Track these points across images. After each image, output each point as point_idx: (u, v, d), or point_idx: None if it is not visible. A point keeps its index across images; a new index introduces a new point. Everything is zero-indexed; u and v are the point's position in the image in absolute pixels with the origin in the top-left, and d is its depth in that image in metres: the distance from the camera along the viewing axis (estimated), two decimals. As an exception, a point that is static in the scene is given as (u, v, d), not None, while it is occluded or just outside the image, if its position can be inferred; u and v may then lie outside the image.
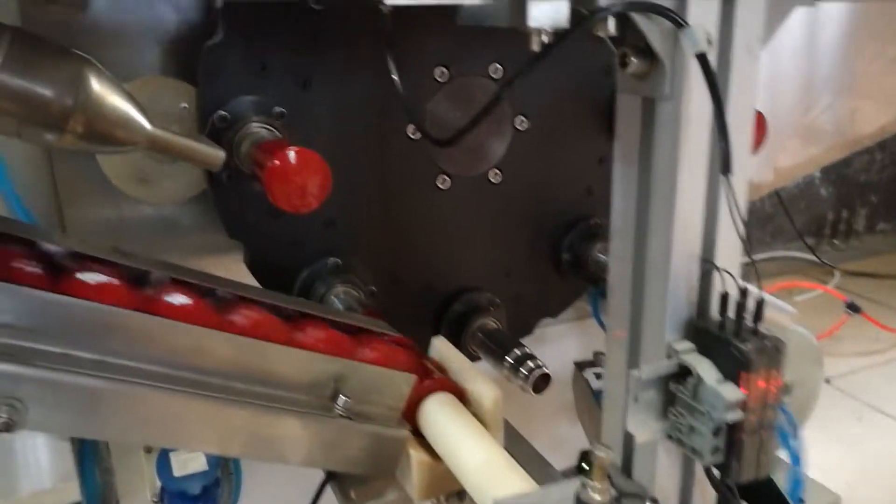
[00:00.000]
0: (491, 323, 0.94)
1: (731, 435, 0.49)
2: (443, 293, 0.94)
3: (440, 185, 0.89)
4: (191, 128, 0.78)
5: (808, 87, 1.55)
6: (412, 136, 0.85)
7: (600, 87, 0.95)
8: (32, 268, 0.47)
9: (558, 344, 1.21)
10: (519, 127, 0.91)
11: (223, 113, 0.74)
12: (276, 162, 0.61)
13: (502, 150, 0.91)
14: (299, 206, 0.63)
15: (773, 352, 0.48)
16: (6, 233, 0.50)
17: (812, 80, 1.54)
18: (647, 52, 0.47)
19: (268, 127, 0.74)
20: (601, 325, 1.15)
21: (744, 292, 0.49)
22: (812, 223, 2.76)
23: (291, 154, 0.62)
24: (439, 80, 0.84)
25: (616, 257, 0.55)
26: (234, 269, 0.88)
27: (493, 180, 0.92)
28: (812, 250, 2.66)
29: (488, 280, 0.96)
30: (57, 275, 0.48)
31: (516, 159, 0.92)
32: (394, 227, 0.89)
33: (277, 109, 0.76)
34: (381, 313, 0.77)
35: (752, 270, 0.51)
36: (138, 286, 0.54)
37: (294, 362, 0.56)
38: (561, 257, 0.99)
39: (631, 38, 0.47)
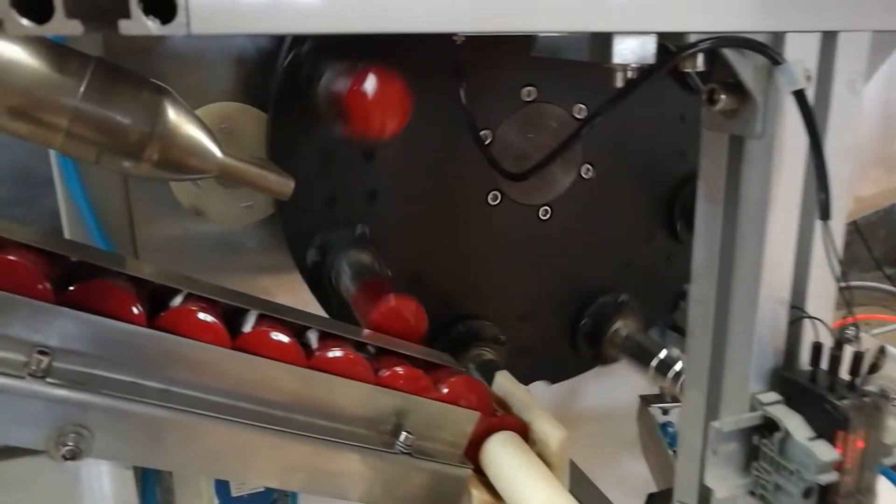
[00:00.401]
0: (487, 354, 0.89)
1: (824, 497, 0.46)
2: (455, 309, 0.90)
3: (490, 201, 0.87)
4: (261, 154, 0.78)
5: (890, 115, 1.48)
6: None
7: (670, 173, 0.92)
8: (105, 297, 0.47)
9: (623, 376, 1.17)
10: (584, 175, 0.89)
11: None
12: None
13: (561, 191, 0.89)
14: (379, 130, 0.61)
15: (874, 410, 0.44)
16: (82, 260, 0.50)
17: (894, 107, 1.46)
18: (737, 89, 0.45)
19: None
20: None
21: (839, 343, 0.46)
22: (891, 252, 2.63)
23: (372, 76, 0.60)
24: (526, 99, 0.82)
25: (697, 301, 0.52)
26: (297, 289, 0.88)
27: (541, 217, 0.90)
28: (891, 280, 2.53)
29: (503, 317, 0.91)
30: (130, 303, 0.48)
31: (571, 204, 0.90)
32: (433, 226, 0.86)
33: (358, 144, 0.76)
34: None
35: (849, 319, 0.48)
36: (225, 321, 0.54)
37: (358, 396, 0.55)
38: (578, 331, 0.95)
39: (720, 73, 0.45)
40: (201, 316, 0.49)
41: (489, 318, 0.90)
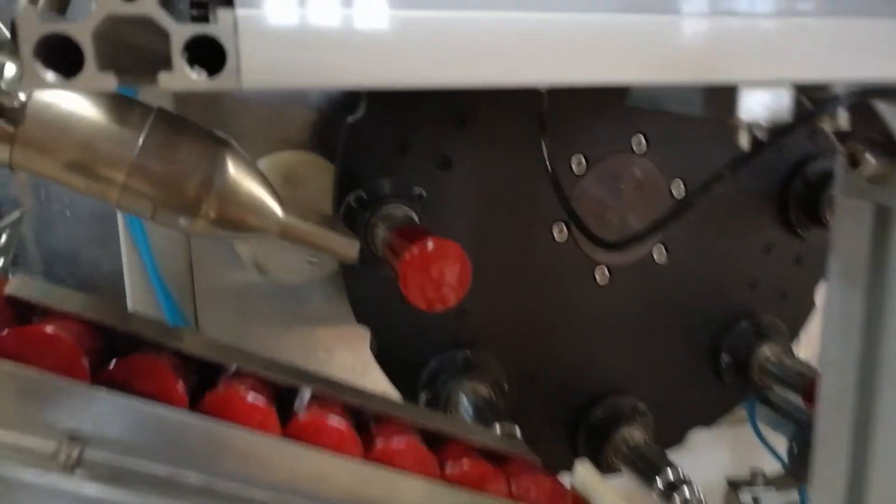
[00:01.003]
0: (637, 434, 0.82)
1: None
2: (582, 395, 0.84)
3: (596, 277, 0.81)
4: (327, 207, 0.74)
5: None
6: (559, 237, 0.78)
7: (772, 166, 0.84)
8: (146, 374, 0.43)
9: (706, 453, 1.07)
10: (674, 191, 0.81)
11: (360, 193, 0.70)
12: (414, 252, 0.55)
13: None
14: (434, 303, 0.56)
15: None
16: (125, 331, 0.46)
17: None
18: (887, 149, 0.37)
19: (405, 210, 0.69)
20: (758, 435, 1.01)
21: None
22: None
23: (429, 244, 0.56)
24: (576, 169, 0.77)
25: (828, 400, 0.44)
26: (359, 347, 0.83)
27: (657, 259, 0.82)
28: None
29: (635, 382, 0.85)
30: (172, 382, 0.43)
31: (675, 242, 0.83)
32: (532, 319, 0.81)
33: (417, 191, 0.71)
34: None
35: None
36: (276, 399, 0.49)
37: (423, 494, 0.48)
38: (720, 359, 0.87)
39: (866, 131, 0.38)
40: (250, 398, 0.44)
41: (621, 391, 0.83)
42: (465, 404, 0.74)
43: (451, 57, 0.34)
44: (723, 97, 0.34)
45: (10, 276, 0.49)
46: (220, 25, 0.24)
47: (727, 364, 0.87)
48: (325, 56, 0.27)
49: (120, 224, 0.85)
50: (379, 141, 0.71)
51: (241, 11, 0.25)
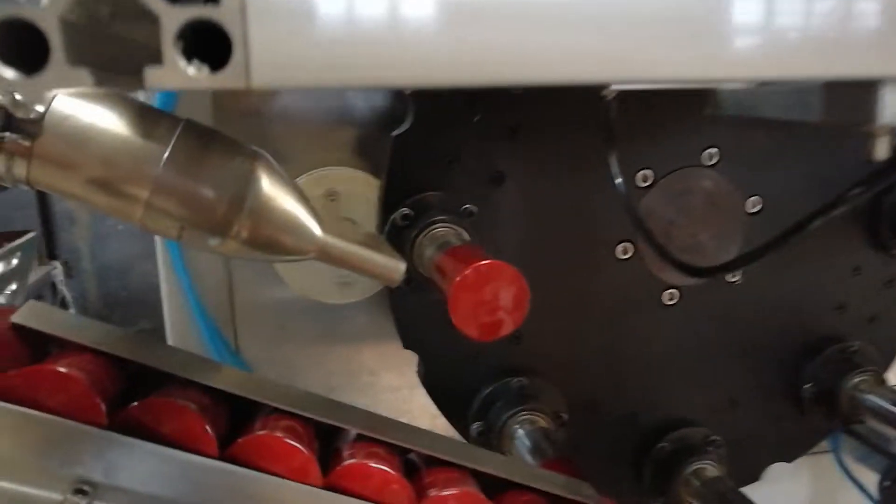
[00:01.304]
0: (710, 468, 0.75)
1: None
2: (649, 426, 0.77)
3: (664, 298, 0.74)
4: (372, 225, 0.70)
5: None
6: (624, 257, 0.71)
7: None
8: (169, 417, 0.38)
9: (785, 486, 0.98)
10: (750, 209, 0.74)
11: (406, 210, 0.65)
12: (465, 273, 0.50)
13: (734, 249, 0.74)
14: (488, 330, 0.51)
15: None
16: (173, 374, 0.41)
17: None
18: None
19: (455, 228, 0.63)
20: (844, 469, 0.92)
21: None
22: None
23: (482, 265, 0.50)
24: (641, 185, 0.70)
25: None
26: (405, 370, 0.78)
27: (731, 279, 0.75)
28: None
29: (707, 413, 0.78)
30: (199, 427, 0.39)
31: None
32: (593, 344, 0.74)
33: (466, 207, 0.66)
34: (573, 463, 0.62)
35: None
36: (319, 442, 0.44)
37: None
38: (803, 388, 0.79)
39: None
40: (288, 442, 0.39)
41: (692, 422, 0.76)
42: (521, 437, 0.68)
43: (504, 50, 0.28)
44: (855, 98, 0.28)
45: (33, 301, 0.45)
46: (223, 8, 0.19)
47: (811, 394, 0.78)
48: (356, 48, 0.22)
49: (157, 242, 0.82)
50: (426, 154, 0.66)
51: None
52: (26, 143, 0.43)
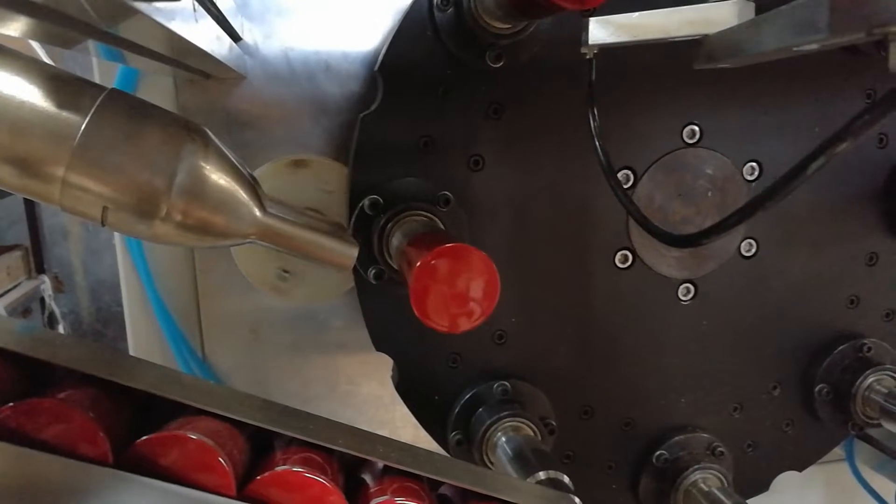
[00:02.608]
0: (712, 477, 0.69)
1: None
2: (646, 433, 0.71)
3: (682, 296, 0.68)
4: (338, 215, 0.64)
5: None
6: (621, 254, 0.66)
7: (875, 161, 0.70)
8: (183, 453, 0.32)
9: (794, 497, 0.92)
10: (748, 177, 0.68)
11: (375, 197, 0.59)
12: (427, 259, 0.44)
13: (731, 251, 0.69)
14: (452, 324, 0.45)
15: None
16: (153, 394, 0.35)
17: None
18: None
19: (428, 216, 0.58)
20: (858, 477, 0.86)
21: None
22: None
23: (444, 252, 0.45)
24: (688, 140, 0.65)
25: None
26: (385, 380, 0.73)
27: (741, 274, 0.69)
28: None
29: (710, 418, 0.72)
30: (213, 462, 0.33)
31: (767, 242, 0.69)
32: (586, 345, 0.68)
33: (442, 194, 0.60)
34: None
35: None
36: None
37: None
38: (815, 390, 0.72)
39: None
40: (312, 477, 0.33)
41: (694, 428, 0.70)
42: (503, 446, 0.61)
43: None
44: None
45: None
46: None
47: (824, 395, 0.72)
48: None
49: (116, 239, 0.77)
50: (397, 137, 0.60)
51: None
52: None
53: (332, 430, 0.38)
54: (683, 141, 0.65)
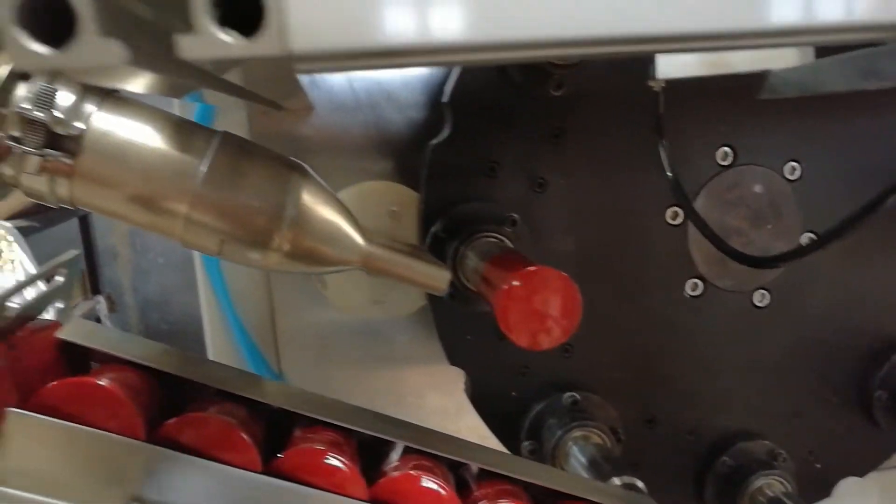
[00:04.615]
0: (776, 483, 0.71)
1: None
2: (709, 440, 0.74)
3: (690, 292, 0.70)
4: (409, 238, 0.68)
5: None
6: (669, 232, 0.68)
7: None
8: (223, 436, 0.36)
9: (855, 500, 0.93)
10: (789, 176, 0.69)
11: (446, 221, 0.63)
12: (515, 283, 0.48)
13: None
14: (540, 342, 0.49)
15: None
16: (193, 380, 0.40)
17: None
18: None
19: (498, 237, 0.62)
20: (917, 483, 0.87)
21: None
22: None
23: (531, 272, 0.48)
24: (721, 163, 0.67)
25: None
26: (453, 390, 0.76)
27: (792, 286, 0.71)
28: None
29: (771, 425, 0.74)
30: (248, 441, 0.37)
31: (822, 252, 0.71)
32: (646, 355, 0.71)
33: (509, 215, 0.64)
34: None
35: None
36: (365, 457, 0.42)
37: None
38: (873, 396, 0.74)
39: None
40: (330, 457, 0.37)
41: (755, 436, 0.72)
42: (576, 454, 0.65)
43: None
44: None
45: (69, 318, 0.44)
46: None
47: (883, 401, 0.74)
48: (401, 9, 0.20)
49: (196, 263, 0.82)
50: (466, 163, 0.64)
51: None
52: (68, 162, 0.42)
53: (348, 412, 0.42)
54: (719, 164, 0.68)
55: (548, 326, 0.48)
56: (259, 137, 0.75)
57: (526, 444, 0.68)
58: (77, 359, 0.38)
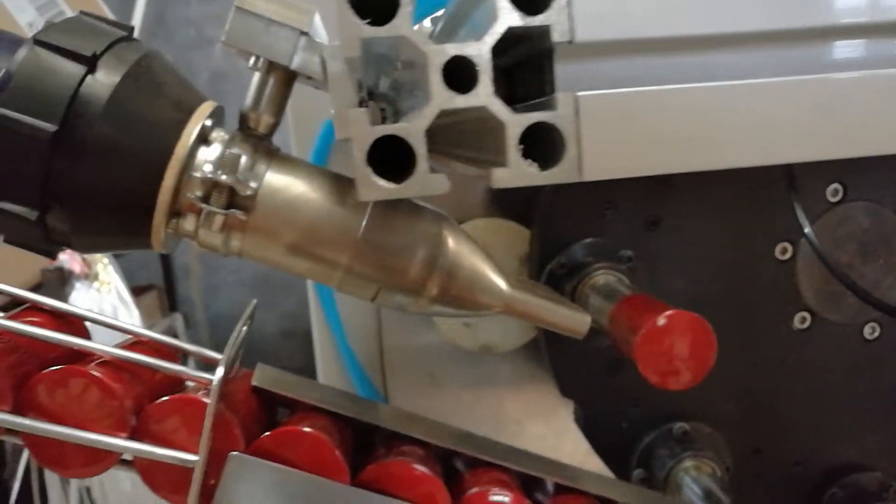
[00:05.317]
0: (887, 519, 0.71)
1: None
2: (817, 472, 0.74)
3: (798, 325, 0.71)
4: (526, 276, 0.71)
5: None
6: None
7: None
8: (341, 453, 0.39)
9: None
10: None
11: (562, 258, 0.66)
12: (654, 325, 0.50)
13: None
14: (677, 382, 0.51)
15: None
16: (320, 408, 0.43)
17: None
18: None
19: (615, 274, 0.64)
20: None
21: None
22: None
23: (671, 320, 0.50)
24: (832, 199, 0.68)
25: None
26: (551, 415, 0.78)
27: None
28: None
29: (879, 457, 0.74)
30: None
31: None
32: (753, 386, 0.72)
33: (623, 252, 0.66)
34: None
35: None
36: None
37: None
38: None
39: None
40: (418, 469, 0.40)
41: (864, 468, 0.73)
42: (689, 484, 0.66)
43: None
44: None
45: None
46: (560, 112, 0.21)
47: None
48: (668, 139, 0.23)
49: (309, 289, 0.85)
50: (582, 202, 0.66)
51: (584, 94, 0.21)
52: (243, 218, 0.46)
53: (515, 454, 0.44)
54: (829, 201, 0.68)
55: (683, 369, 0.50)
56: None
57: (636, 472, 0.70)
58: (265, 403, 0.41)
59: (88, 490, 1.50)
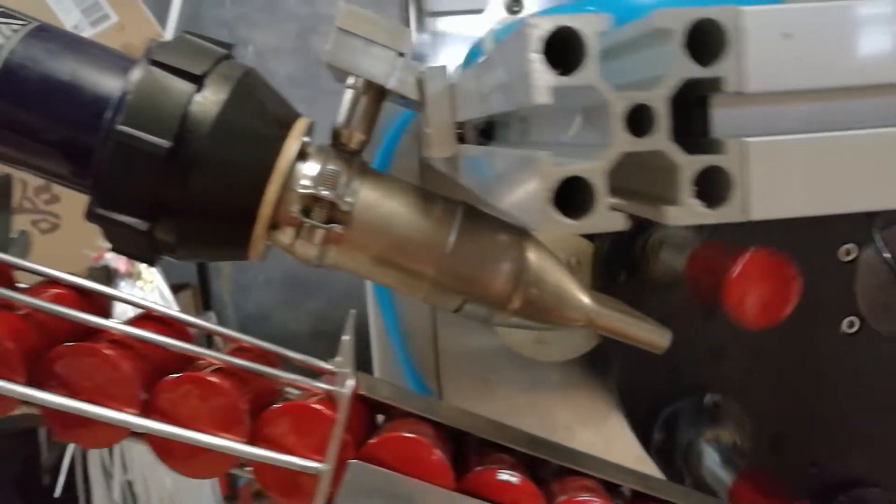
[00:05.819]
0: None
1: None
2: (832, 477, 0.74)
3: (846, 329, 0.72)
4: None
5: None
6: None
7: None
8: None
9: None
10: None
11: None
12: (746, 261, 0.52)
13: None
14: (767, 319, 0.53)
15: None
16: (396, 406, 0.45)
17: None
18: None
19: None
20: None
21: None
22: None
23: (758, 259, 0.52)
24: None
25: None
26: (601, 424, 0.79)
27: None
28: None
29: (882, 472, 0.73)
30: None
31: None
32: (790, 379, 0.72)
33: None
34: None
35: None
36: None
37: None
38: None
39: None
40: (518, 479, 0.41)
41: (871, 481, 0.73)
42: (710, 453, 0.68)
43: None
44: None
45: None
46: (730, 155, 0.23)
47: None
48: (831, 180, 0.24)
49: (368, 292, 0.87)
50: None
51: (753, 140, 0.23)
52: (340, 232, 0.48)
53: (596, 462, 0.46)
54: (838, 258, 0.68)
55: (772, 303, 0.52)
56: (427, 184, 0.81)
57: (658, 436, 0.72)
58: (366, 410, 0.43)
59: (130, 484, 1.54)
